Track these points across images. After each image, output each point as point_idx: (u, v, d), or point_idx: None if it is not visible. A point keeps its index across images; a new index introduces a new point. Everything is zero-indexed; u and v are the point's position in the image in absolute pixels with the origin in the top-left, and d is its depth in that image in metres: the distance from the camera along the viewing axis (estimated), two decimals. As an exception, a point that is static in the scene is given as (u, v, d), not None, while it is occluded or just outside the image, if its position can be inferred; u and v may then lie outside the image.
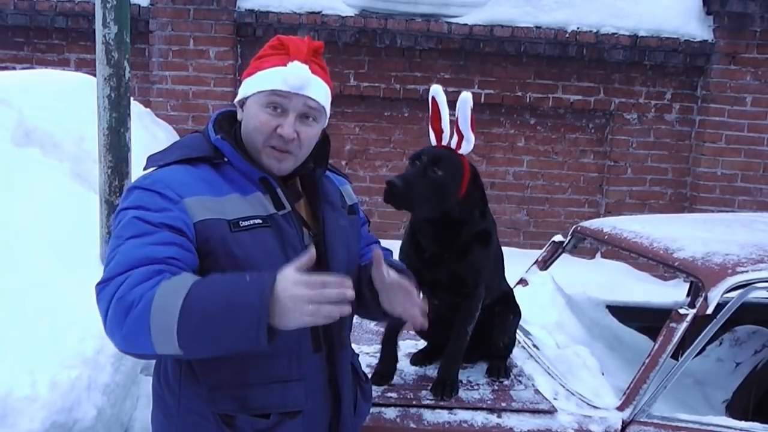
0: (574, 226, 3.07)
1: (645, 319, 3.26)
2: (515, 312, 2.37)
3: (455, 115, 1.88)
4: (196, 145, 1.51)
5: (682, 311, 2.11)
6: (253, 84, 1.50)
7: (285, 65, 1.47)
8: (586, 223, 3.02)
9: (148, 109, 5.27)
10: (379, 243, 1.81)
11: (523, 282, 3.00)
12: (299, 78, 1.47)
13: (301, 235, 1.49)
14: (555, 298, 2.91)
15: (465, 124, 1.88)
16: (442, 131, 1.93)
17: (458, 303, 2.11)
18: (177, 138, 5.43)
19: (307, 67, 1.49)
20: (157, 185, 1.41)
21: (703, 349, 2.69)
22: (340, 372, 1.55)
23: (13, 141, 3.49)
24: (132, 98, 3.29)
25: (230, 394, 1.43)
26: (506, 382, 2.21)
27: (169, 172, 1.44)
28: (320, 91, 1.53)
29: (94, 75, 3.16)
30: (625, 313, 3.29)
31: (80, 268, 2.87)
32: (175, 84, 5.63)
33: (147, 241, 1.32)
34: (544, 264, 3.08)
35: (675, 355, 2.14)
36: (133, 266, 1.28)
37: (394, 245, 1.99)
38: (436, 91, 1.91)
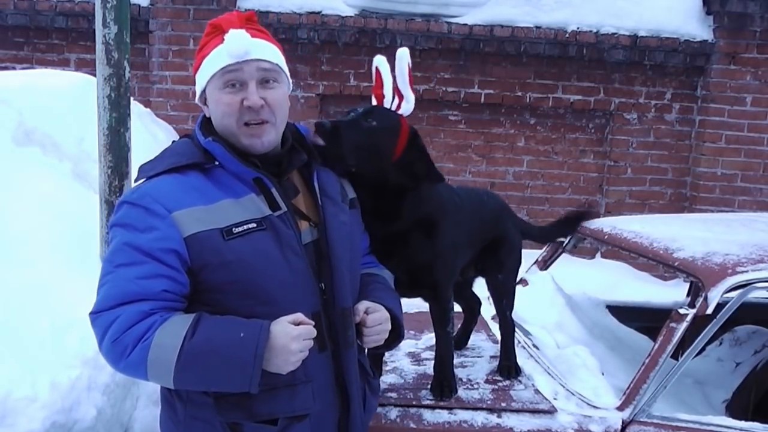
0: (574, 227, 3.06)
1: (645, 319, 3.26)
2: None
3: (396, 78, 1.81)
4: (185, 151, 1.49)
5: (682, 311, 2.11)
6: (204, 73, 1.48)
7: (223, 41, 1.46)
8: (586, 223, 3.02)
9: (148, 109, 5.26)
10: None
11: (523, 282, 2.99)
12: (241, 45, 1.44)
13: (298, 235, 1.47)
14: (555, 298, 2.91)
15: (403, 83, 1.80)
16: (383, 96, 1.83)
17: (424, 294, 2.06)
18: (177, 138, 5.44)
19: (244, 31, 1.46)
20: (145, 200, 1.40)
21: (703, 349, 2.69)
22: (347, 370, 1.54)
23: (14, 141, 3.49)
24: (132, 98, 3.29)
25: (237, 402, 1.42)
26: (506, 382, 2.21)
27: (157, 185, 1.42)
28: (268, 51, 1.48)
29: (94, 75, 3.16)
30: (625, 313, 3.29)
31: (80, 268, 2.87)
32: (175, 84, 5.63)
33: (134, 274, 1.35)
34: (544, 264, 3.08)
35: (675, 355, 2.14)
36: (122, 302, 1.34)
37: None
38: (380, 61, 1.81)
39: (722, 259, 2.16)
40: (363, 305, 1.57)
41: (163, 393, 1.55)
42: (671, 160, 5.96)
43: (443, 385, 2.08)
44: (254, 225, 1.41)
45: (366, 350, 1.73)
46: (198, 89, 1.52)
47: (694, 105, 5.88)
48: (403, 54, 1.78)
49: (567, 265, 3.51)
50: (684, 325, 2.07)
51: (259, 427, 1.44)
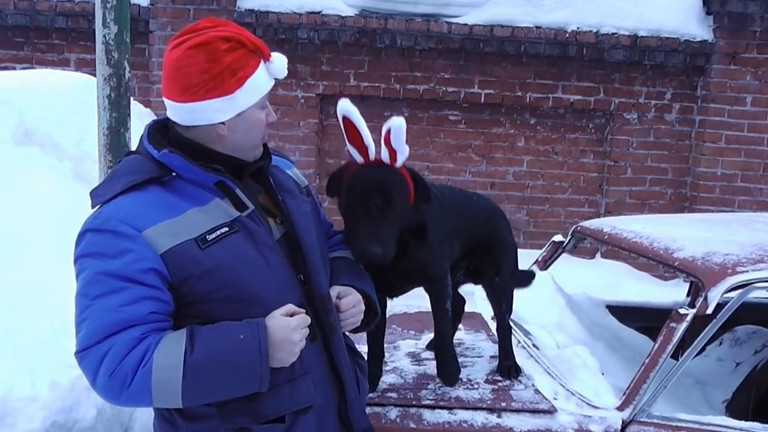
0: (574, 226, 3.07)
1: (645, 319, 3.26)
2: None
3: (383, 134, 1.72)
4: (138, 167, 1.42)
5: (682, 311, 2.11)
6: (248, 95, 1.43)
7: (269, 60, 1.45)
8: (586, 223, 3.02)
9: (148, 109, 5.26)
10: (333, 226, 1.83)
11: (523, 282, 3.00)
12: (284, 65, 1.49)
13: (270, 231, 1.48)
14: (555, 298, 2.91)
15: (398, 141, 1.70)
16: (366, 147, 1.75)
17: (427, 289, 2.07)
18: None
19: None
20: (110, 223, 1.33)
21: (703, 349, 2.69)
22: (338, 355, 1.55)
23: (14, 141, 3.49)
24: (132, 98, 3.29)
25: (241, 407, 1.41)
26: (506, 382, 2.21)
27: (118, 205, 1.36)
28: None
29: (94, 75, 3.16)
30: (625, 313, 3.29)
31: (80, 268, 2.87)
32: (175, 84, 5.63)
33: (117, 302, 1.29)
34: (544, 264, 3.08)
35: (675, 355, 2.14)
36: (110, 333, 1.28)
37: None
38: (347, 108, 1.67)
39: (722, 259, 2.16)
40: (334, 290, 1.57)
41: (159, 410, 1.49)
42: (671, 160, 5.96)
43: (446, 363, 2.12)
44: (226, 229, 1.40)
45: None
46: (235, 110, 1.42)
47: (694, 105, 5.88)
48: (400, 124, 1.67)
49: (567, 265, 3.51)
50: (684, 325, 2.07)
51: (268, 427, 1.43)
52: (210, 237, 1.37)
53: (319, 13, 5.54)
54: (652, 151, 5.94)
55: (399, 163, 1.76)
